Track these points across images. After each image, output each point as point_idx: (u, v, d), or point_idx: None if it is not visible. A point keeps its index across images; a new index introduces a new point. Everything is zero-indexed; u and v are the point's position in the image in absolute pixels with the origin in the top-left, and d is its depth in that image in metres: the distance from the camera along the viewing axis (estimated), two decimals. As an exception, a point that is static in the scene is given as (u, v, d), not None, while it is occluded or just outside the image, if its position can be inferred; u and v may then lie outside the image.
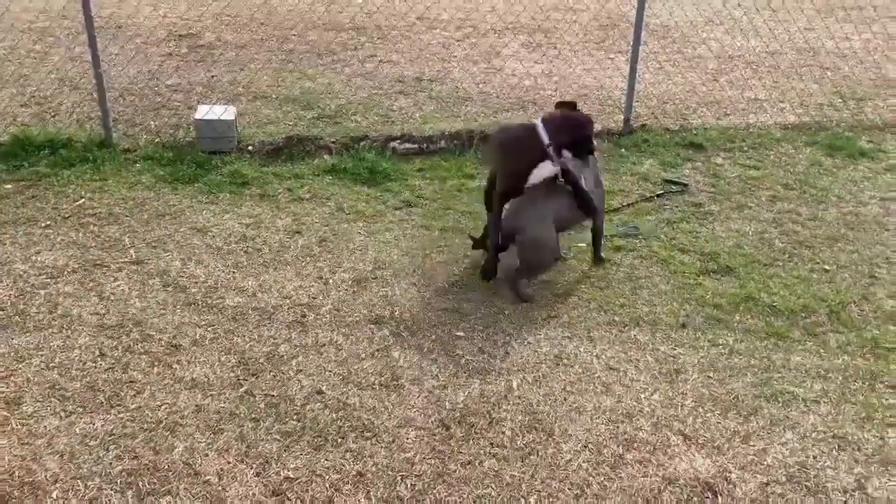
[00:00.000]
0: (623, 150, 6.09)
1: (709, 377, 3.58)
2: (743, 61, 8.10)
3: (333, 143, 5.96)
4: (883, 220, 5.10)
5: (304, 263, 4.38)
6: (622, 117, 6.33)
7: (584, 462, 3.05)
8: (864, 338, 3.91)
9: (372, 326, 3.84)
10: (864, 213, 5.19)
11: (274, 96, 6.83)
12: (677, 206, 5.27)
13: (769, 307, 4.17)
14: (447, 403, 3.32)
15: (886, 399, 3.45)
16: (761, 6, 8.64)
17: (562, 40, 8.71)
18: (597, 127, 6.42)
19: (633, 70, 6.15)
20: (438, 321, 3.92)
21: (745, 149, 6.10)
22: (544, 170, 4.14)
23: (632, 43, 6.10)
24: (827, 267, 4.59)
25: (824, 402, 3.44)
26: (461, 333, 3.83)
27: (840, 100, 7.01)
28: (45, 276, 4.11)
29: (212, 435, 3.09)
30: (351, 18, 9.07)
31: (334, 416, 3.22)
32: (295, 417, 3.20)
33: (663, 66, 7.93)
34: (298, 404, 3.28)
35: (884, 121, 6.58)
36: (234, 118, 5.78)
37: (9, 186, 5.07)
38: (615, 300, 4.19)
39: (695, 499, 2.90)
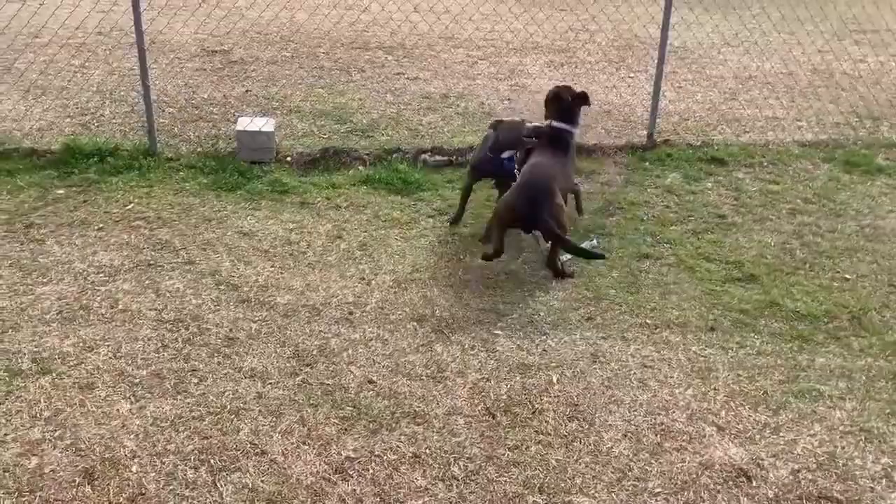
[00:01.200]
0: (647, 163, 6.30)
1: (738, 375, 3.76)
2: (759, 81, 8.33)
3: (367, 154, 6.18)
4: (901, 233, 5.28)
5: (346, 266, 4.59)
6: (645, 132, 6.54)
7: (624, 449, 3.23)
8: (885, 341, 4.09)
9: (414, 324, 4.03)
10: (883, 226, 5.37)
11: (307, 110, 7.07)
12: (701, 218, 5.46)
13: (793, 312, 4.35)
14: (491, 394, 3.50)
15: (910, 397, 3.62)
16: (777, 29, 8.88)
17: (582, 60, 8.96)
18: (621, 141, 6.67)
19: (657, 85, 6.38)
20: (477, 320, 4.11)
21: (765, 164, 6.30)
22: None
23: (657, 60, 6.33)
24: (847, 276, 4.77)
25: (850, 398, 3.61)
26: (499, 332, 4.02)
27: (856, 119, 7.22)
28: (103, 275, 4.32)
29: (274, 419, 3.28)
30: (376, 37, 9.35)
31: (386, 403, 3.41)
32: (350, 404, 3.39)
33: (683, 84, 8.17)
34: (352, 392, 3.47)
35: (897, 138, 6.78)
36: (273, 130, 6.02)
37: (61, 191, 5.30)
38: (646, 304, 4.37)
39: (730, 482, 3.08)
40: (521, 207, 4.44)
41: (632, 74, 8.33)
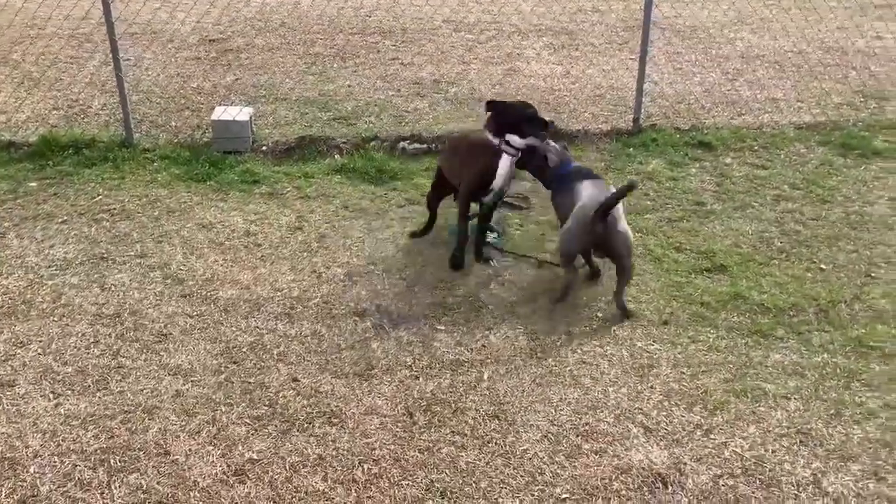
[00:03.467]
0: (630, 149, 6.11)
1: (681, 373, 3.61)
2: (767, 61, 8.01)
3: (344, 143, 6.12)
4: (889, 221, 5.02)
5: (300, 258, 4.54)
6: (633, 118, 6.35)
7: (540, 451, 3.12)
8: (848, 336, 3.89)
9: (356, 319, 3.97)
10: (870, 213, 5.11)
11: (294, 98, 7.03)
12: (679, 206, 5.28)
13: (757, 305, 4.17)
14: (415, 392, 3.43)
15: (859, 397, 3.43)
16: (797, 5, 8.51)
17: (585, 42, 8.74)
18: (607, 127, 6.48)
19: (641, 69, 6.17)
20: (422, 314, 4.03)
21: (756, 148, 6.06)
22: (504, 161, 4.35)
23: (640, 42, 6.12)
24: (823, 266, 4.56)
25: (795, 398, 3.44)
26: (442, 327, 3.94)
27: (861, 99, 6.89)
28: (54, 269, 4.36)
29: (186, 418, 3.26)
30: (378, 22, 9.25)
31: (305, 402, 3.36)
32: (267, 403, 3.35)
33: (684, 66, 7.90)
34: (273, 391, 3.43)
35: (904, 119, 6.45)
36: (248, 119, 5.99)
37: (33, 184, 5.37)
38: (603, 297, 4.24)
39: (645, 489, 2.95)
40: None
41: (632, 56, 8.06)
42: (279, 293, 4.17)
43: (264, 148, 6.02)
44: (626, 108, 6.73)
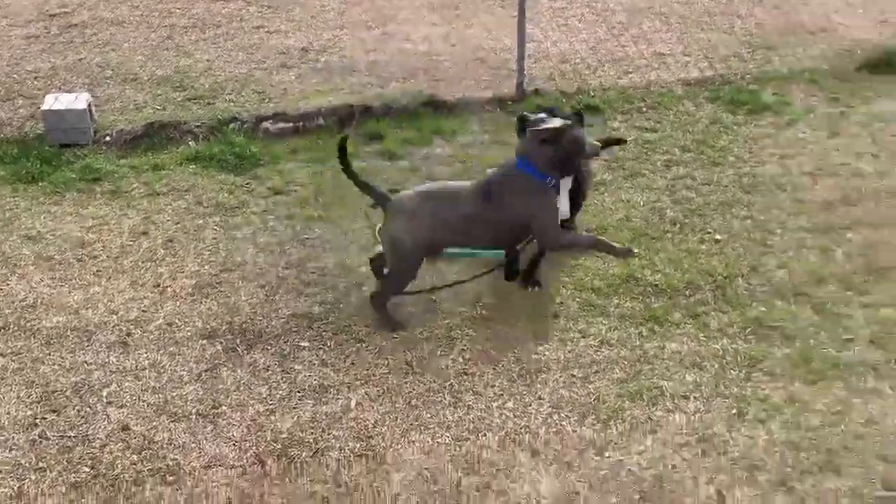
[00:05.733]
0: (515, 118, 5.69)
1: (572, 376, 3.26)
2: (653, 13, 7.69)
3: (199, 127, 5.48)
4: (781, 181, 4.79)
5: (143, 270, 3.96)
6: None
7: (415, 495, 2.70)
8: (747, 317, 3.62)
9: (204, 342, 3.45)
10: (762, 174, 4.88)
11: (146, 77, 6.29)
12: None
13: (651, 287, 3.87)
14: (270, 433, 2.95)
15: (762, 390, 3.15)
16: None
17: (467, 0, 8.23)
18: (489, 94, 6.04)
19: (521, 31, 5.75)
20: (283, 330, 3.54)
21: (645, 109, 5.74)
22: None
23: (518, 3, 5.67)
24: (718, 237, 4.29)
25: (695, 396, 3.14)
26: (306, 343, 3.46)
27: (748, 49, 6.66)
28: None
29: (-16, 494, 2.70)
30: (242, -14, 8.48)
31: (136, 458, 2.84)
32: (89, 464, 2.81)
33: (569, 21, 7.50)
34: (97, 446, 2.89)
35: (791, 70, 6.24)
36: (86, 107, 5.27)
37: None
38: (486, 293, 3.83)
39: (532, 530, 2.59)
40: None
41: (514, 14, 7.61)
42: (114, 316, 3.60)
43: (108, 138, 5.32)
44: (509, 72, 6.29)
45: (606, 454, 2.86)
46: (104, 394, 3.13)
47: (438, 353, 3.40)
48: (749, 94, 5.83)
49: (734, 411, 3.04)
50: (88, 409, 3.06)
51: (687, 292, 3.83)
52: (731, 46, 6.76)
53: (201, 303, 3.71)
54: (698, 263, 4.04)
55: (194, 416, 3.02)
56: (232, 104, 5.85)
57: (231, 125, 5.49)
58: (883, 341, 3.38)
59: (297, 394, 3.15)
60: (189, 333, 3.49)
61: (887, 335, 3.42)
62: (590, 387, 3.18)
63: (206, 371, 3.27)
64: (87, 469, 2.79)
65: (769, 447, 2.86)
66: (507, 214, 3.47)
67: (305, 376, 3.25)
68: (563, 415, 3.04)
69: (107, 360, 3.31)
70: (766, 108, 5.65)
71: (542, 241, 3.69)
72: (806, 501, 2.65)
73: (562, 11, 7.69)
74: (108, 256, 4.07)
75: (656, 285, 3.87)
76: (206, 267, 4.00)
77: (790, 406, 3.05)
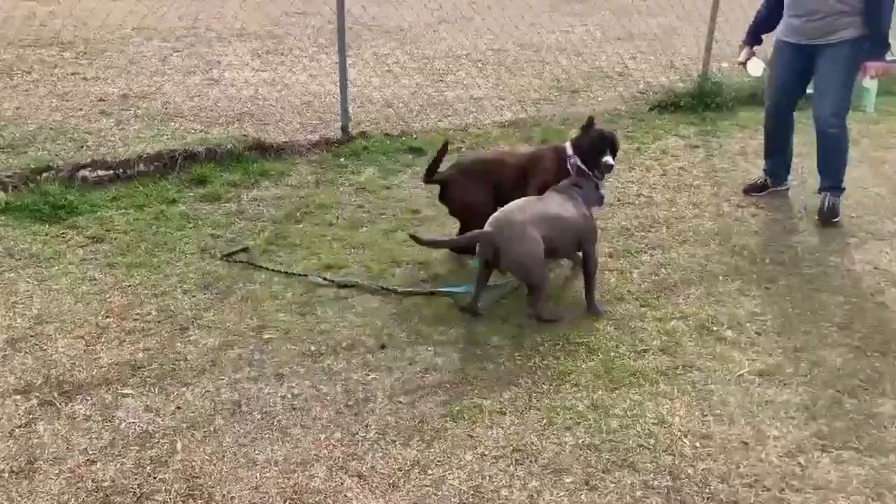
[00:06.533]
0: (342, 159, 5.89)
1: (399, 402, 3.40)
2: (470, 59, 8.19)
3: (9, 177, 5.25)
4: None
5: (-54, 330, 3.74)
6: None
7: (243, 528, 2.75)
8: (557, 335, 3.91)
9: (18, 398, 3.32)
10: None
11: (-53, 128, 5.96)
12: (395, 216, 5.13)
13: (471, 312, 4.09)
14: (90, 483, 2.88)
15: (568, 399, 3.43)
16: (493, 3, 8.78)
17: (291, 47, 8.39)
18: (315, 137, 6.19)
19: (343, 74, 5.97)
20: (104, 379, 3.47)
21: (463, 150, 6.09)
22: None
23: (338, 49, 5.90)
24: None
25: (510, 411, 3.36)
26: (129, 391, 3.40)
27: (556, 93, 7.23)
28: None
29: None
30: (56, 33, 8.22)
31: (-59, 523, 2.69)
32: None
33: (392, 68, 7.84)
34: None
35: (593, 111, 6.83)
36: None
37: None
38: (316, 327, 3.93)
39: (360, 550, 2.69)
40: None
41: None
42: (-86, 379, 3.38)
43: None
44: (334, 116, 6.49)
45: (430, 472, 3.02)
46: None
47: (267, 391, 3.45)
48: (557, 133, 6.32)
49: (545, 421, 3.29)
50: None
51: (508, 318, 4.10)
52: (541, 91, 7.33)
53: (14, 358, 3.57)
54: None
55: (7, 475, 2.90)
56: (46, 153, 5.66)
57: (45, 174, 5.31)
58: (671, 349, 3.78)
59: (121, 441, 3.10)
60: (1, 390, 3.35)
61: (675, 344, 3.83)
62: (415, 411, 3.34)
63: (19, 427, 3.15)
64: None
65: (574, 451, 3.13)
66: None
67: (129, 424, 3.20)
68: (389, 439, 3.18)
69: None
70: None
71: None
72: (607, 497, 2.91)
73: (384, 58, 8.03)
74: None
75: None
76: (20, 321, 3.85)
77: (593, 412, 3.34)
